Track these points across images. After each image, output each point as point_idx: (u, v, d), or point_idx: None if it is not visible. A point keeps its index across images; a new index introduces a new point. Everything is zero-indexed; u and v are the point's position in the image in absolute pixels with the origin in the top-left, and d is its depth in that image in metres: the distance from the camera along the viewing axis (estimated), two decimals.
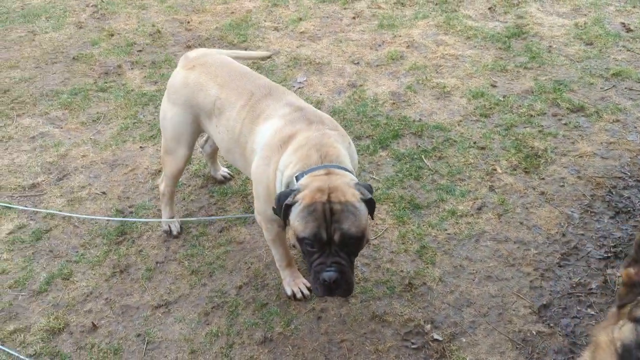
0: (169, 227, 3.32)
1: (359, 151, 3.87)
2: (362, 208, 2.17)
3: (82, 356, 2.65)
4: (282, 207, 2.20)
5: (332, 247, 2.15)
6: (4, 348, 2.67)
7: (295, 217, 2.19)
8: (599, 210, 3.33)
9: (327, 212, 2.11)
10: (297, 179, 2.26)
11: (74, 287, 3.01)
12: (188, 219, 3.39)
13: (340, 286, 2.16)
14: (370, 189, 2.26)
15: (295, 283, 2.88)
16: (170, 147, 3.03)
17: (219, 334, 2.72)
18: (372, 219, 2.31)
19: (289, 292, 2.87)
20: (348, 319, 2.76)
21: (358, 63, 5.04)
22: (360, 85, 4.69)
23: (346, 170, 2.29)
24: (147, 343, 2.70)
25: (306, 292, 2.86)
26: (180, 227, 3.35)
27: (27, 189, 3.74)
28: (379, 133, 4.06)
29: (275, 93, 2.67)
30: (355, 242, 2.17)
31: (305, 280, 2.89)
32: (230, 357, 2.62)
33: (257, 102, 2.62)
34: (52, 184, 3.78)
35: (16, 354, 2.64)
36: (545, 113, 4.19)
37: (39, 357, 2.66)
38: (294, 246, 2.34)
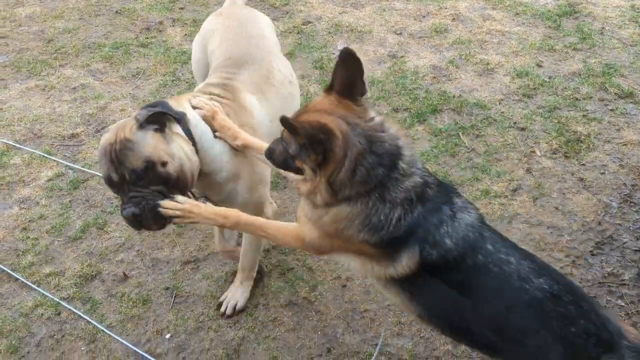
0: None
1: None
2: (139, 138, 2.00)
3: (112, 303, 2.74)
4: None
5: (128, 185, 2.02)
6: (39, 289, 2.78)
7: None
8: (639, 201, 3.23)
9: (114, 154, 1.99)
10: None
11: (108, 237, 3.09)
12: None
13: (147, 218, 2.01)
14: (153, 105, 2.13)
15: (236, 295, 2.68)
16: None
17: None
18: (162, 131, 2.06)
19: (223, 297, 2.71)
20: (372, 289, 2.76)
21: (400, 34, 4.93)
22: (402, 57, 4.59)
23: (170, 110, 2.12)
24: (175, 296, 2.77)
25: (230, 312, 2.65)
26: None
27: (66, 138, 3.83)
28: (417, 107, 3.99)
29: (247, 65, 2.51)
30: (150, 174, 2.00)
31: (244, 303, 2.69)
32: (254, 316, 2.67)
33: (224, 67, 2.52)
34: (91, 135, 3.86)
35: (51, 296, 2.75)
36: (591, 97, 4.04)
37: (71, 300, 2.76)
38: None
